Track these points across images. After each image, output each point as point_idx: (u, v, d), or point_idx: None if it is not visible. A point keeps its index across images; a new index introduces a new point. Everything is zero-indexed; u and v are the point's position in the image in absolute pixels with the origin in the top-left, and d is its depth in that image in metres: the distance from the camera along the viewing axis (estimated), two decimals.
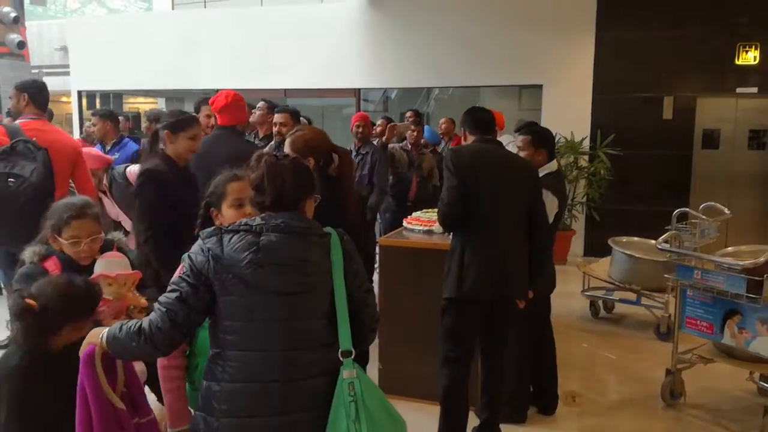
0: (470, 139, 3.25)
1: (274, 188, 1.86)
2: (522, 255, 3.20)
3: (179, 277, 1.80)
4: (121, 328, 1.80)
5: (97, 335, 1.85)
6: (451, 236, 3.23)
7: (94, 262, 2.41)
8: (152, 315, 1.78)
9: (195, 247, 1.82)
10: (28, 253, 2.34)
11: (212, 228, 1.84)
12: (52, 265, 2.31)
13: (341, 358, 1.85)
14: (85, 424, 1.83)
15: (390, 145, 5.65)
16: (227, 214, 2.18)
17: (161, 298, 1.79)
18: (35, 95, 3.88)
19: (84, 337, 1.95)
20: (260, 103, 5.23)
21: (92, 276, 2.12)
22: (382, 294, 3.89)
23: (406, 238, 4.03)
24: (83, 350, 1.85)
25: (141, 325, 1.77)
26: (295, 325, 1.81)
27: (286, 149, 2.77)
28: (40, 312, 1.94)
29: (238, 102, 3.95)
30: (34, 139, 3.64)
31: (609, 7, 7.86)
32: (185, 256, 1.83)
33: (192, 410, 2.04)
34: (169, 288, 1.80)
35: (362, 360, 3.18)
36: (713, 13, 7.54)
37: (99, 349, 1.84)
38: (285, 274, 1.80)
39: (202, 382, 1.85)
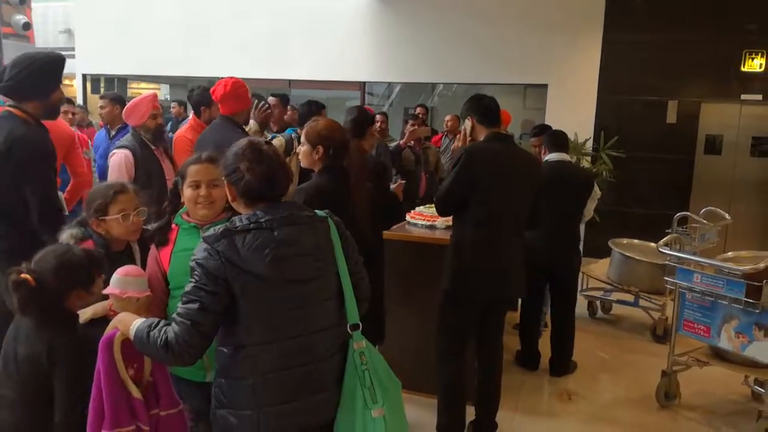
0: (480, 129, 3.21)
1: (287, 178, 1.91)
2: (520, 256, 3.25)
3: (194, 286, 1.74)
4: (148, 334, 1.76)
5: (126, 324, 1.83)
6: (452, 228, 3.26)
7: (128, 247, 2.41)
8: (176, 329, 1.72)
9: (201, 253, 1.75)
10: (66, 236, 2.30)
11: (220, 230, 1.78)
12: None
13: (350, 331, 1.92)
14: (98, 408, 1.82)
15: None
16: (185, 193, 2.26)
17: (180, 310, 1.74)
18: None
19: (92, 304, 2.02)
20: (271, 98, 5.21)
21: (105, 290, 2.10)
22: (385, 287, 3.91)
23: (409, 232, 4.05)
24: (106, 333, 1.85)
25: (167, 338, 1.72)
26: (314, 309, 1.86)
27: (302, 138, 2.84)
28: (37, 285, 1.94)
29: (236, 91, 3.87)
30: None
31: (617, 10, 7.85)
32: (192, 263, 1.77)
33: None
34: (184, 299, 1.75)
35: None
36: (721, 20, 7.54)
37: (120, 336, 1.84)
38: (305, 264, 1.84)
39: (220, 380, 1.84)
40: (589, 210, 4.56)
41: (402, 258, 3.84)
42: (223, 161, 1.93)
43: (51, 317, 1.97)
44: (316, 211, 1.97)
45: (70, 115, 4.65)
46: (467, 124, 3.24)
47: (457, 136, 3.35)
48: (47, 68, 2.94)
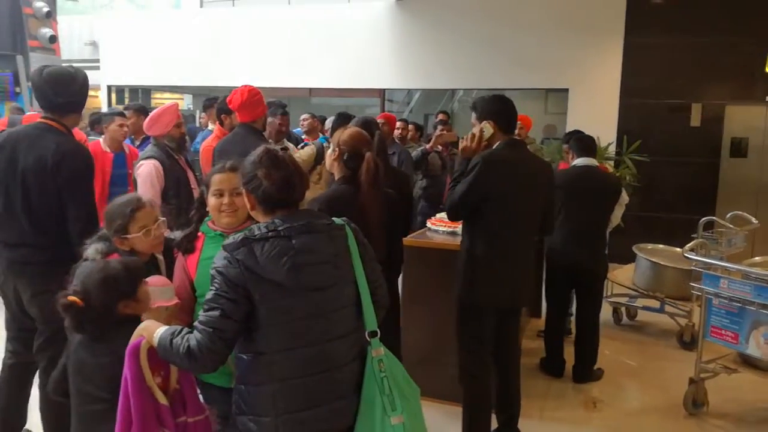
0: (498, 135, 3.11)
1: (303, 184, 1.93)
2: (532, 262, 3.23)
3: (215, 294, 1.76)
4: (171, 342, 1.78)
5: (150, 331, 1.85)
6: (463, 235, 3.20)
7: (152, 257, 2.43)
8: (198, 336, 1.74)
9: (221, 261, 1.78)
10: (91, 251, 2.31)
11: (239, 238, 1.80)
12: None
13: (368, 338, 1.93)
14: (125, 415, 1.84)
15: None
16: (210, 202, 2.30)
17: (201, 318, 1.77)
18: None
19: (140, 310, 2.04)
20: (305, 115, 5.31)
21: None
22: (405, 294, 3.91)
23: (430, 239, 4.04)
24: (132, 341, 1.87)
25: (190, 346, 1.74)
26: (332, 317, 1.87)
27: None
28: (86, 304, 1.97)
29: (253, 98, 3.93)
30: None
31: (638, 12, 7.79)
32: (212, 272, 1.80)
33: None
34: (205, 307, 1.78)
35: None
36: (744, 21, 7.44)
37: (146, 343, 1.85)
38: (323, 272, 1.85)
39: (240, 386, 1.85)
40: (617, 216, 4.53)
41: (423, 264, 3.84)
42: (241, 170, 1.96)
43: (110, 327, 1.99)
44: (334, 219, 1.98)
45: (125, 128, 4.68)
46: (487, 127, 3.10)
47: (468, 135, 3.15)
48: (85, 84, 3.02)
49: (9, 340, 3.08)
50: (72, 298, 1.97)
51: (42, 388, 3.01)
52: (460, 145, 3.18)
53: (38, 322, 2.93)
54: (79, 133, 4.09)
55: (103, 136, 4.64)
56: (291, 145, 4.95)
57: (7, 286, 2.97)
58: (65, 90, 2.92)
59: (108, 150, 4.49)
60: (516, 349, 3.37)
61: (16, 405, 3.08)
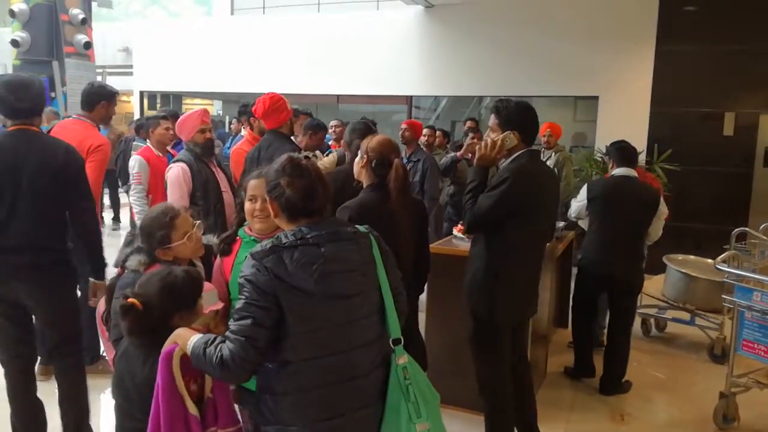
0: (520, 146, 3.01)
1: (326, 192, 1.93)
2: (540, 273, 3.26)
3: (245, 303, 1.75)
4: (205, 350, 1.77)
5: (184, 339, 1.85)
6: (479, 248, 3.07)
7: (191, 264, 2.43)
8: (230, 346, 1.73)
9: (249, 269, 1.77)
10: (133, 262, 2.33)
11: (268, 246, 1.79)
12: None
13: (392, 346, 1.93)
14: (156, 422, 1.84)
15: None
16: (246, 207, 2.34)
17: (233, 328, 1.75)
18: None
19: (194, 323, 2.04)
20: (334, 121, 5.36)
21: None
22: (430, 301, 3.90)
23: (456, 247, 4.03)
24: (165, 347, 1.88)
25: (223, 356, 1.73)
26: (357, 324, 1.87)
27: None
28: (144, 308, 1.96)
29: (275, 104, 3.99)
30: None
31: (670, 20, 7.70)
32: (241, 280, 1.78)
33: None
34: (236, 317, 1.76)
35: None
36: None
37: (179, 351, 1.85)
38: (351, 280, 1.85)
39: (265, 396, 1.84)
40: (656, 230, 4.39)
41: (448, 272, 3.82)
42: (266, 177, 1.97)
43: (157, 338, 1.96)
44: (357, 226, 1.99)
45: (170, 131, 4.77)
46: (510, 138, 2.96)
47: (486, 143, 3.00)
48: (42, 89, 3.07)
49: (5, 347, 3.01)
50: (132, 300, 1.96)
51: (62, 385, 3.06)
52: (477, 153, 3.06)
53: (51, 323, 2.97)
54: (98, 135, 4.12)
55: (148, 140, 4.71)
56: (319, 153, 4.99)
57: (5, 292, 2.92)
58: (27, 95, 2.94)
59: (161, 154, 4.56)
60: (527, 356, 3.35)
61: (29, 411, 3.05)
